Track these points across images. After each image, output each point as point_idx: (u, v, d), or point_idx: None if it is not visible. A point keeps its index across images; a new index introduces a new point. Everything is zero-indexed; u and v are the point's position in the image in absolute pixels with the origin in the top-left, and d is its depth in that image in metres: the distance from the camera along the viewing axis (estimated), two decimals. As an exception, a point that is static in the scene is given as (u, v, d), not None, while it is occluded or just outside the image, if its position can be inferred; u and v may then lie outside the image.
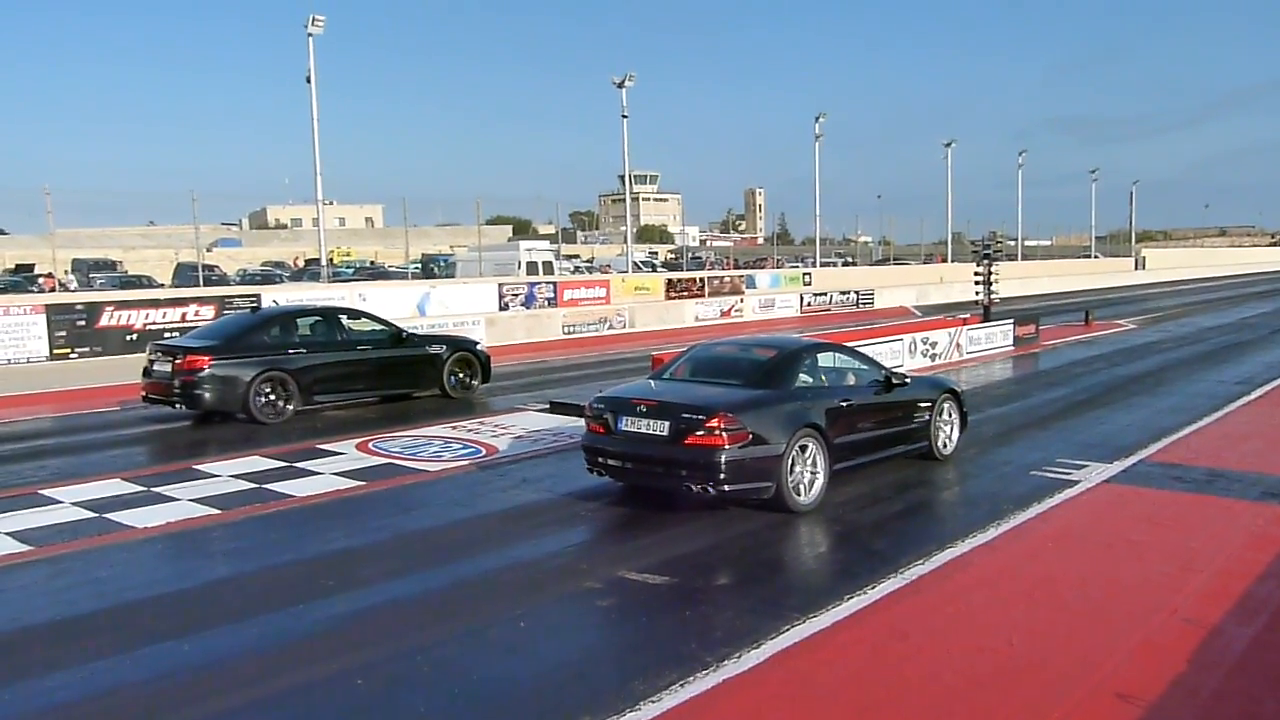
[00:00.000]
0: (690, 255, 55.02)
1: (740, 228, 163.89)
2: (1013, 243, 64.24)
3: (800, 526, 8.20)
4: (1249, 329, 27.54)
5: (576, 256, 66.36)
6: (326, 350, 14.12)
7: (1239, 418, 13.03)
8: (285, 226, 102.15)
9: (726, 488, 7.93)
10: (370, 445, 11.68)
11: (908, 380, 9.97)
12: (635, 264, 44.80)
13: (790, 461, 8.22)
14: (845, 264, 56.63)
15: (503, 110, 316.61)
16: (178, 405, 13.33)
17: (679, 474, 8.11)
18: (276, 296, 23.85)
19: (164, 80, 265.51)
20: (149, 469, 10.66)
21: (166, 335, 18.81)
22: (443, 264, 43.40)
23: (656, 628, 6.06)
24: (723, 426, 7.90)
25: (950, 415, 10.55)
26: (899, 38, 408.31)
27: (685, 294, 34.49)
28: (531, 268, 33.42)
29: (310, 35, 27.56)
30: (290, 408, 13.54)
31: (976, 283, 23.08)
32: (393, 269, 46.66)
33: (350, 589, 6.73)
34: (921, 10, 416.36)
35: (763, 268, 46.12)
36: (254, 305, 15.02)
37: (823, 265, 48.68)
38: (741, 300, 35.30)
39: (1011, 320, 22.57)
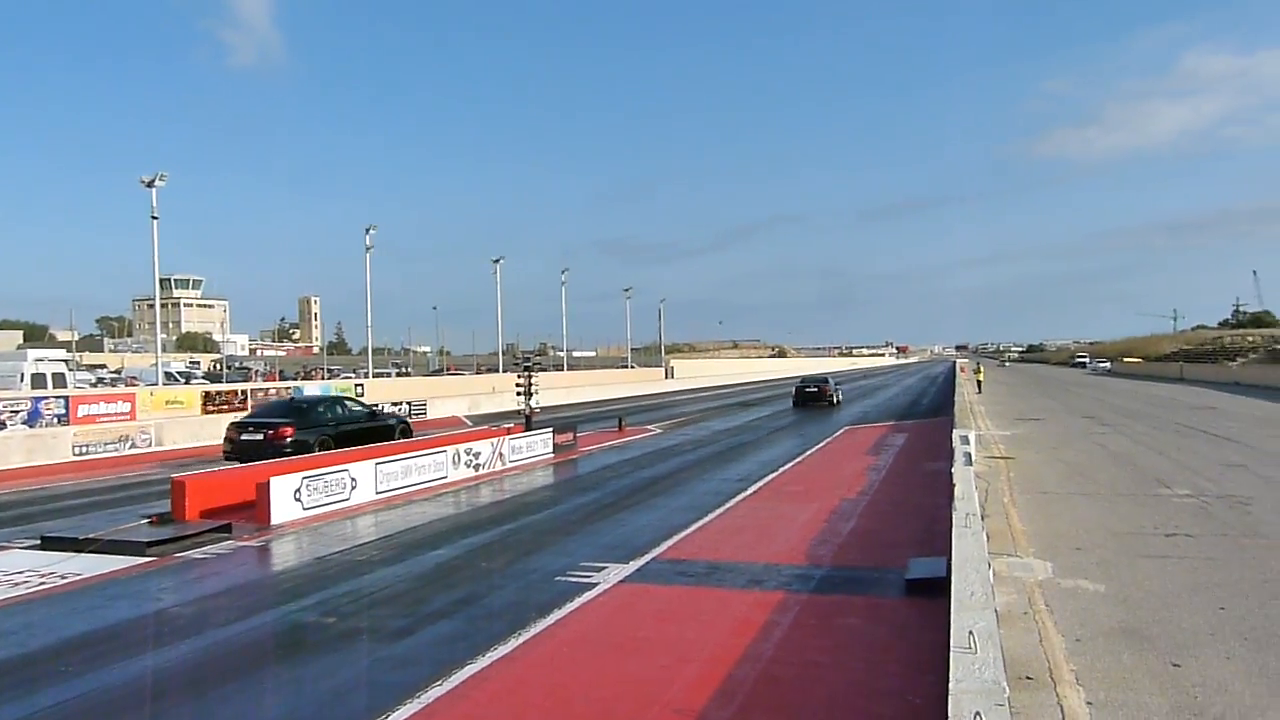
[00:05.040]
0: (237, 365, 51.89)
1: (295, 336, 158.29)
2: (561, 354, 68.52)
3: (311, 661, 7.79)
4: (751, 430, 31.41)
5: (103, 366, 59.98)
6: (345, 422, 22.15)
7: (737, 512, 14.66)
8: None
9: None
10: None
11: None
12: (170, 375, 41.21)
13: None
14: (400, 374, 56.71)
15: (18, 204, 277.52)
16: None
17: None
18: None
19: None
20: None
21: None
22: (-78, 375, 36.70)
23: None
24: None
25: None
26: (454, 159, 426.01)
27: (225, 408, 32.15)
28: (38, 380, 29.54)
29: None
30: None
31: (518, 393, 24.10)
32: None
33: None
34: (474, 133, 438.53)
35: (314, 378, 44.65)
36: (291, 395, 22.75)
37: (376, 375, 48.23)
38: (288, 413, 33.56)
39: (551, 429, 23.66)
